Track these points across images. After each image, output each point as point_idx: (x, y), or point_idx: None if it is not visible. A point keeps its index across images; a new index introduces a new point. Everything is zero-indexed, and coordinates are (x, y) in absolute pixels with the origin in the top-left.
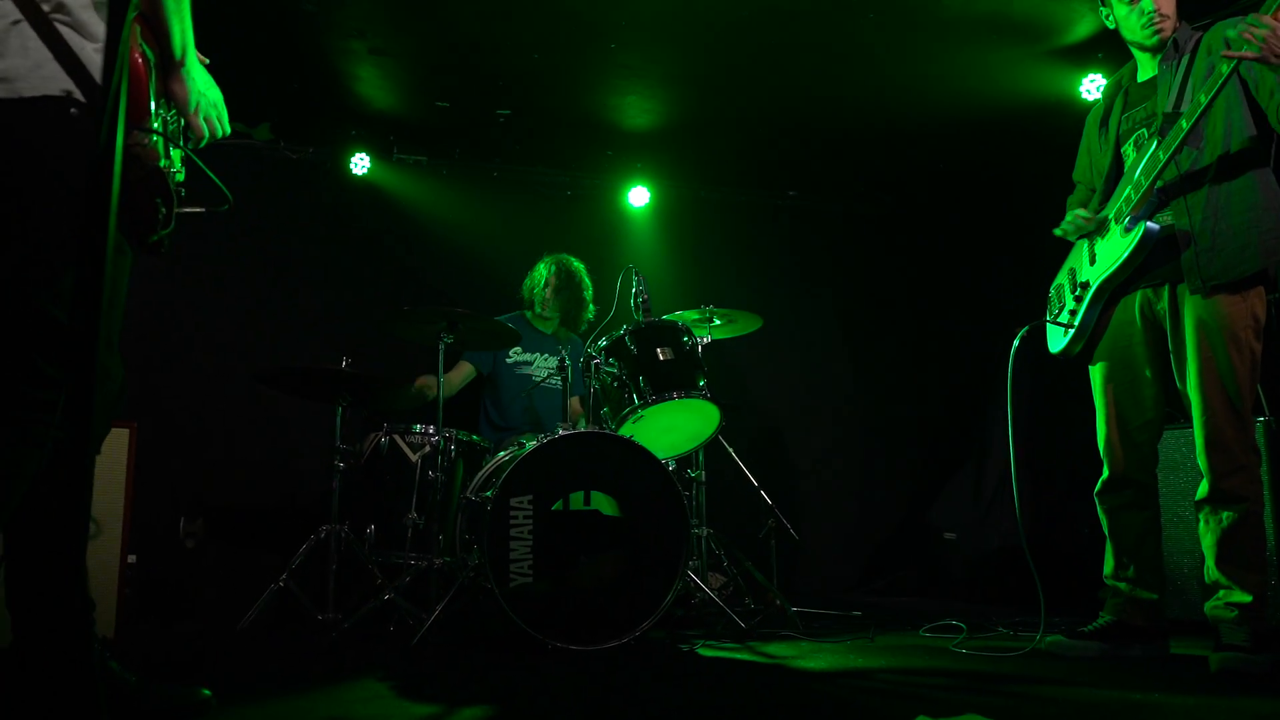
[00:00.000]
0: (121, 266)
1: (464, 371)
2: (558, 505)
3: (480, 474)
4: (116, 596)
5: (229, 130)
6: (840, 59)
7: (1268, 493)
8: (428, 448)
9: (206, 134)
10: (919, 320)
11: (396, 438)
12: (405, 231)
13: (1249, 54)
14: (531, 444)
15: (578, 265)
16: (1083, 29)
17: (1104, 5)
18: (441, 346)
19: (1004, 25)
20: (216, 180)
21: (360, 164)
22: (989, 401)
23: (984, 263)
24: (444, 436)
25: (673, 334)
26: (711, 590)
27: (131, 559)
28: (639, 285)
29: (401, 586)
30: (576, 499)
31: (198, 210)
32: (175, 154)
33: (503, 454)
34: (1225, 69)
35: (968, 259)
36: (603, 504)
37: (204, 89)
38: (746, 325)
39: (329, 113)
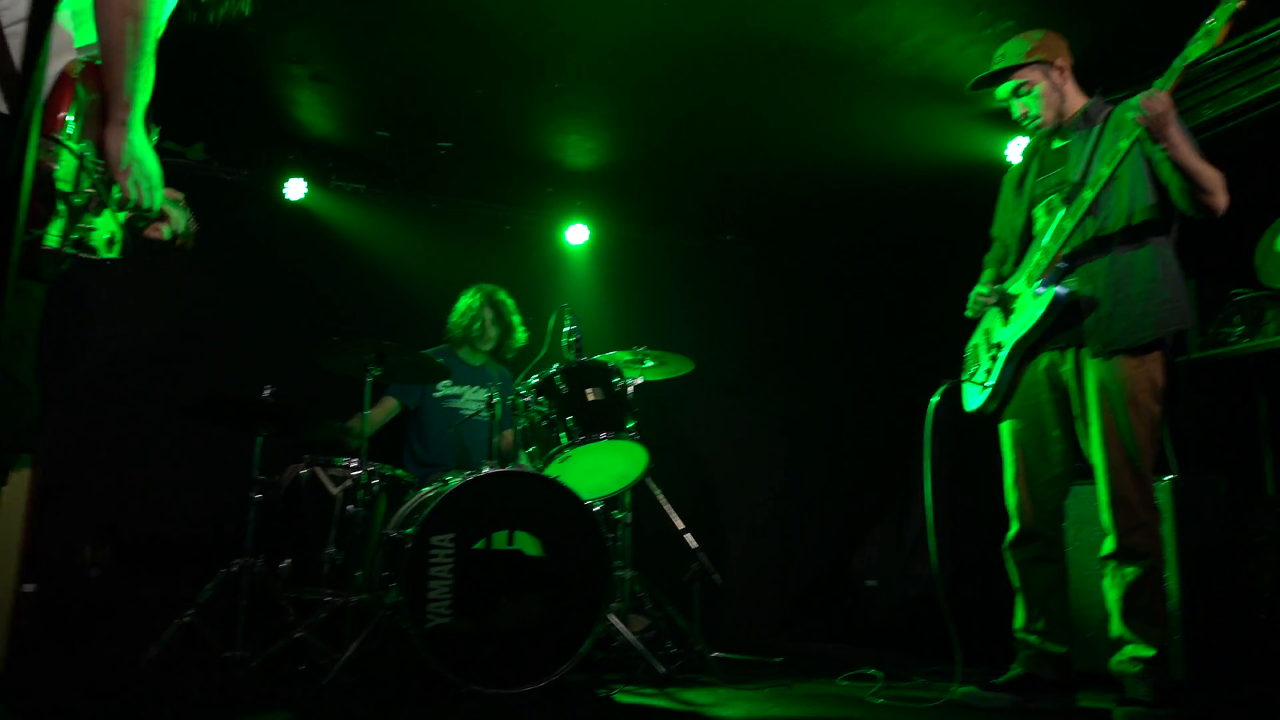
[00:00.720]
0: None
1: (388, 407)
2: (480, 544)
3: (402, 510)
4: (9, 626)
5: (156, 207)
6: (777, 111)
7: (1174, 550)
8: (349, 481)
9: (133, 198)
10: (849, 370)
11: (318, 470)
12: (338, 260)
13: (1139, 118)
14: (456, 481)
15: (503, 294)
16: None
17: None
18: (369, 379)
19: (935, 87)
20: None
21: (296, 189)
22: (914, 451)
23: (913, 315)
24: (367, 470)
25: (603, 374)
26: (634, 633)
27: (29, 588)
28: (572, 324)
29: (315, 624)
30: (499, 538)
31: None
32: (104, 220)
33: (427, 490)
34: (1124, 144)
35: (898, 311)
36: (526, 544)
37: (141, 156)
38: (679, 368)
39: (266, 136)
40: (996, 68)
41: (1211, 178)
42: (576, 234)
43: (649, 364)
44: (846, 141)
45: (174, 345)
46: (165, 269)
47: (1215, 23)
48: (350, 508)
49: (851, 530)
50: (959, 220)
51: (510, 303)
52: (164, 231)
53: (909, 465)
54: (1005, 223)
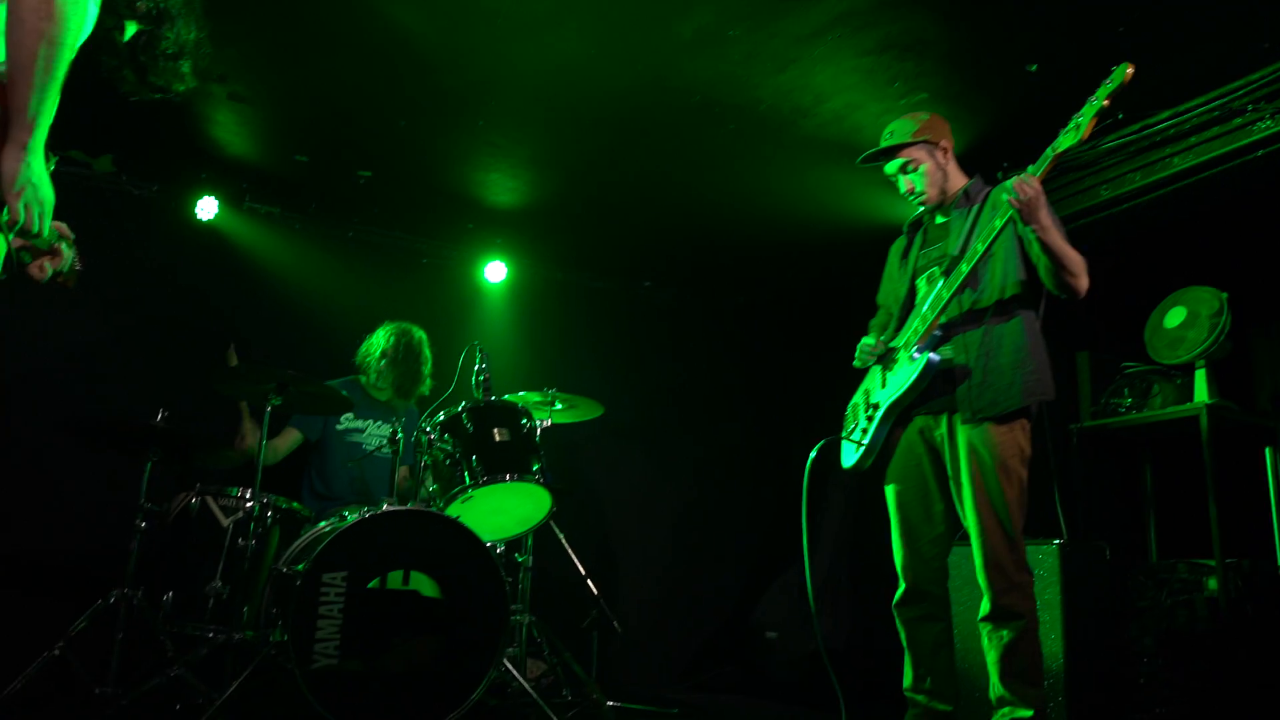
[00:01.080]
0: None
1: (290, 438)
2: (374, 583)
3: (295, 545)
4: None
5: (45, 234)
6: (698, 163)
7: (1060, 614)
8: (241, 513)
9: (21, 219)
10: (758, 420)
11: (209, 499)
12: (247, 283)
13: (1011, 200)
14: (353, 517)
15: (419, 335)
16: None
17: None
18: (269, 408)
19: (852, 151)
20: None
21: (207, 208)
22: (819, 504)
23: (821, 369)
24: (260, 502)
25: (511, 415)
26: (530, 679)
27: None
28: (481, 363)
29: (194, 661)
30: (395, 578)
31: None
32: None
33: (323, 524)
34: (998, 223)
35: (807, 363)
36: (423, 584)
37: (38, 181)
38: (588, 412)
39: (179, 152)
40: (885, 145)
41: (1076, 260)
42: (495, 271)
43: (558, 406)
44: (764, 197)
45: (65, 363)
46: (60, 284)
47: (1082, 119)
48: (241, 540)
49: (756, 581)
50: (866, 281)
51: (426, 350)
52: (46, 270)
53: (814, 517)
54: (889, 290)
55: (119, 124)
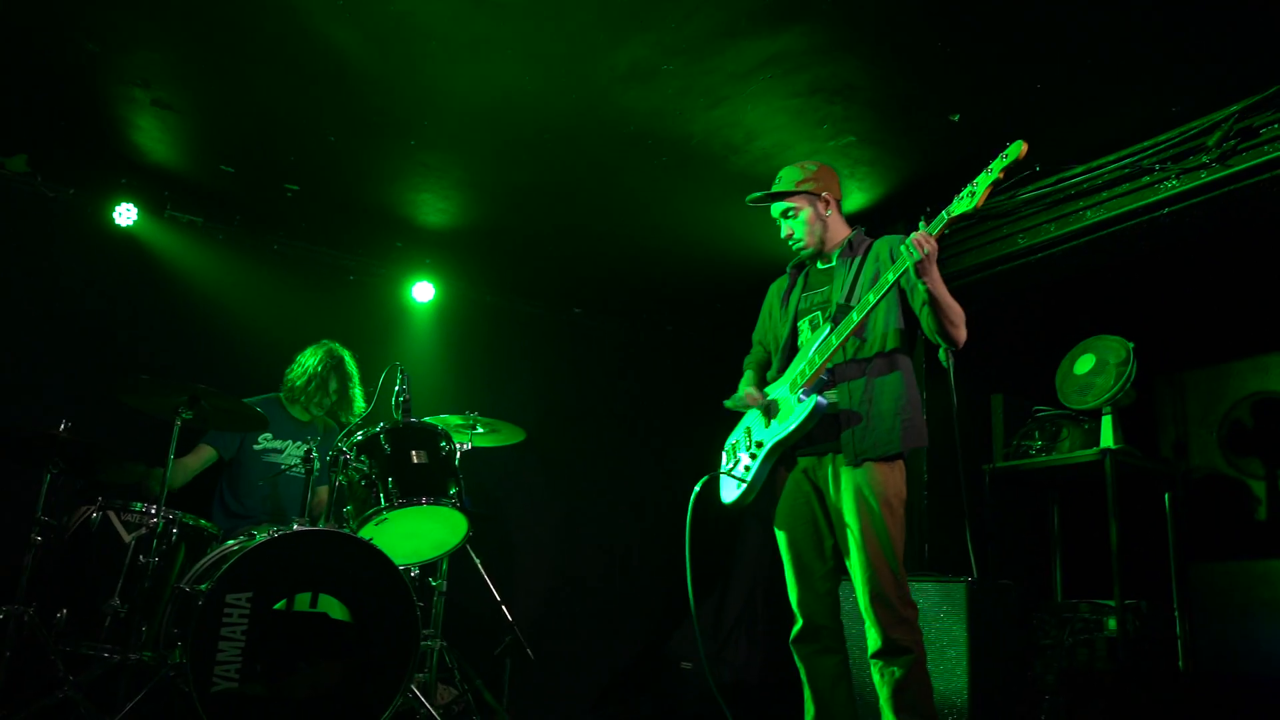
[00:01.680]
0: None
1: (203, 456)
2: (280, 605)
3: (201, 563)
4: None
5: None
6: (632, 194)
7: (966, 649)
8: (145, 529)
9: None
10: (681, 453)
11: (111, 514)
12: (164, 293)
13: (912, 259)
14: (262, 536)
15: (350, 361)
16: (850, 203)
17: None
18: (177, 423)
19: None
20: None
21: (126, 214)
22: (738, 536)
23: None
24: (165, 518)
25: (430, 438)
26: (439, 706)
27: None
28: (402, 383)
29: (86, 682)
30: (303, 600)
31: None
32: None
33: (231, 543)
34: (890, 277)
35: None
36: (332, 607)
37: None
38: (510, 436)
39: (99, 156)
40: (771, 190)
41: (959, 312)
42: (422, 291)
43: (480, 430)
44: (694, 231)
45: None
46: None
47: (977, 188)
48: (143, 558)
49: (674, 611)
50: None
51: (355, 371)
52: None
53: (732, 549)
54: (769, 329)
55: (35, 123)
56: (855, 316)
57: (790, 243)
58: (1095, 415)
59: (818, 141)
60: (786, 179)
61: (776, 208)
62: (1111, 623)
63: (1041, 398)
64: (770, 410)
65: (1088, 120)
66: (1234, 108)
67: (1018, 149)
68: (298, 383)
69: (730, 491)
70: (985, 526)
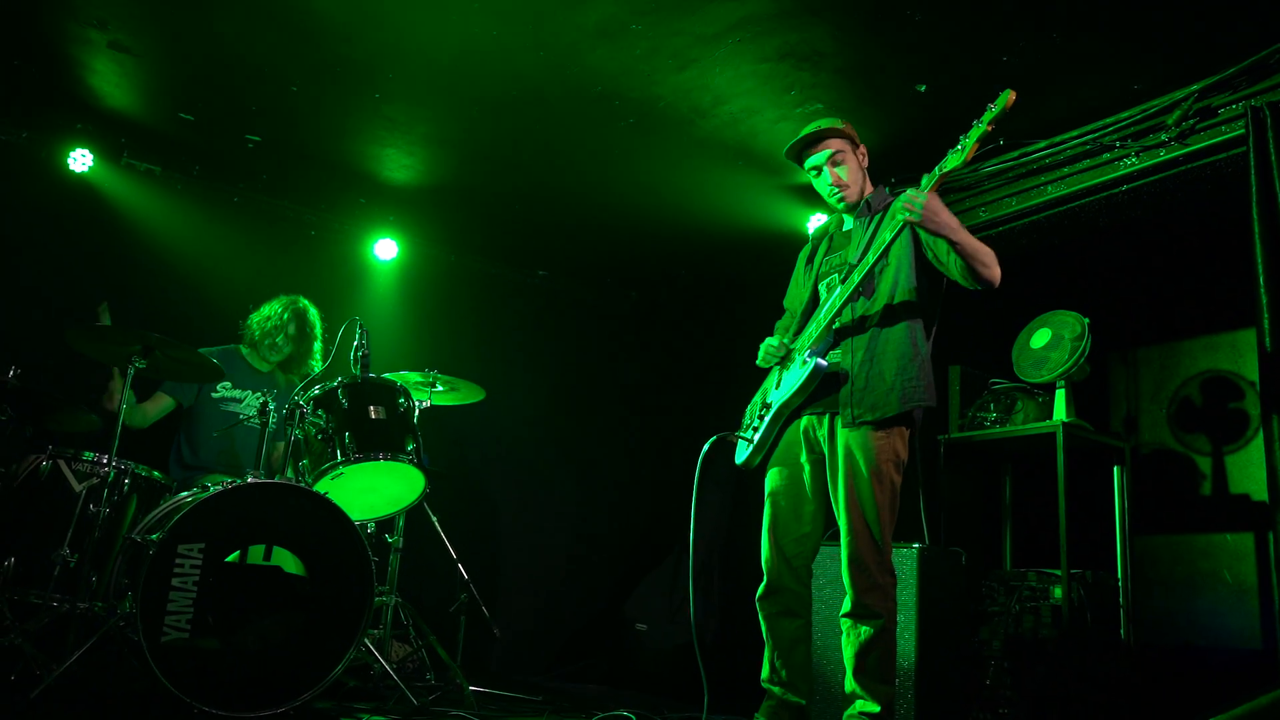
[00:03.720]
0: None
1: (160, 404)
2: (233, 557)
3: (153, 514)
4: None
5: None
6: (596, 156)
7: (915, 615)
8: (96, 479)
9: None
10: (642, 414)
11: (62, 463)
12: (119, 242)
13: (908, 217)
14: (215, 488)
15: (314, 314)
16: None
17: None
18: (131, 371)
19: (748, 154)
20: None
21: (81, 160)
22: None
23: (709, 367)
24: (117, 468)
25: (389, 393)
26: (393, 662)
27: None
28: (361, 339)
29: (33, 630)
30: (256, 552)
31: None
32: None
33: (185, 494)
34: (886, 236)
35: (696, 361)
36: (286, 561)
37: None
38: (470, 395)
39: (53, 99)
40: (813, 129)
41: (987, 252)
42: (385, 249)
43: (440, 388)
44: (660, 194)
45: None
46: None
47: (967, 140)
48: (93, 507)
49: (630, 573)
50: (757, 281)
51: (318, 325)
52: None
53: (689, 511)
54: (795, 295)
55: None
56: (856, 276)
57: (834, 193)
58: (1050, 389)
59: (785, 108)
60: (829, 122)
61: (821, 155)
62: (1057, 591)
63: (998, 370)
64: (784, 370)
65: (1051, 95)
66: (1194, 87)
67: (1005, 98)
68: (256, 328)
69: (741, 452)
70: (939, 495)
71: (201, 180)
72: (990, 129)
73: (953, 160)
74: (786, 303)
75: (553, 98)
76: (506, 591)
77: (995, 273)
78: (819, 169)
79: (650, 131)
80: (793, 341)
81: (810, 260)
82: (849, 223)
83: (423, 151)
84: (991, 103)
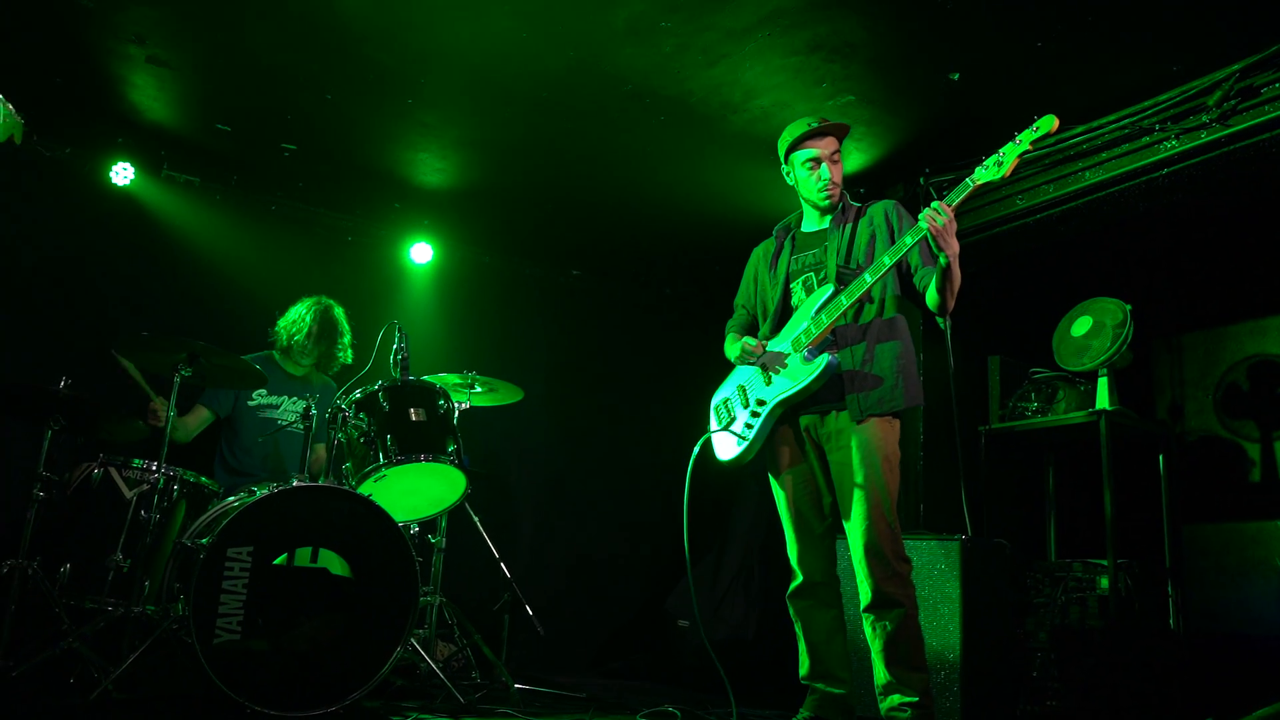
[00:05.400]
0: None
1: (200, 416)
2: (281, 560)
3: (202, 519)
4: None
5: None
6: (628, 153)
7: (959, 607)
8: (146, 485)
9: None
10: (680, 411)
11: (113, 470)
12: (162, 253)
13: (931, 225)
14: (262, 492)
15: (338, 310)
16: (850, 164)
17: (785, 164)
18: (177, 379)
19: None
20: None
21: (123, 174)
22: (735, 496)
23: None
24: (166, 475)
25: (428, 396)
26: (439, 661)
27: None
28: (400, 342)
29: (90, 634)
30: (303, 555)
31: None
32: None
33: (232, 499)
34: (909, 240)
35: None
36: (332, 562)
37: None
38: (508, 396)
39: (95, 115)
40: (821, 121)
41: (959, 283)
42: (420, 252)
43: (478, 389)
44: (693, 190)
45: None
46: None
47: (1005, 158)
48: (144, 513)
49: (671, 569)
50: None
51: (343, 322)
52: None
53: (729, 508)
54: (754, 294)
55: (32, 82)
56: (869, 278)
57: (824, 189)
58: (1091, 377)
59: (816, 100)
60: (836, 119)
61: (828, 148)
62: (1104, 582)
63: (1038, 359)
64: (771, 368)
65: (1088, 80)
66: (1235, 67)
67: (1049, 123)
68: (284, 332)
69: (728, 449)
70: (981, 486)
71: (239, 190)
72: (1030, 149)
73: (986, 175)
74: (739, 301)
75: (584, 97)
76: (548, 589)
77: (953, 303)
78: (818, 161)
79: (681, 128)
80: (769, 338)
81: (774, 260)
82: (812, 222)
83: (456, 155)
84: (1034, 124)
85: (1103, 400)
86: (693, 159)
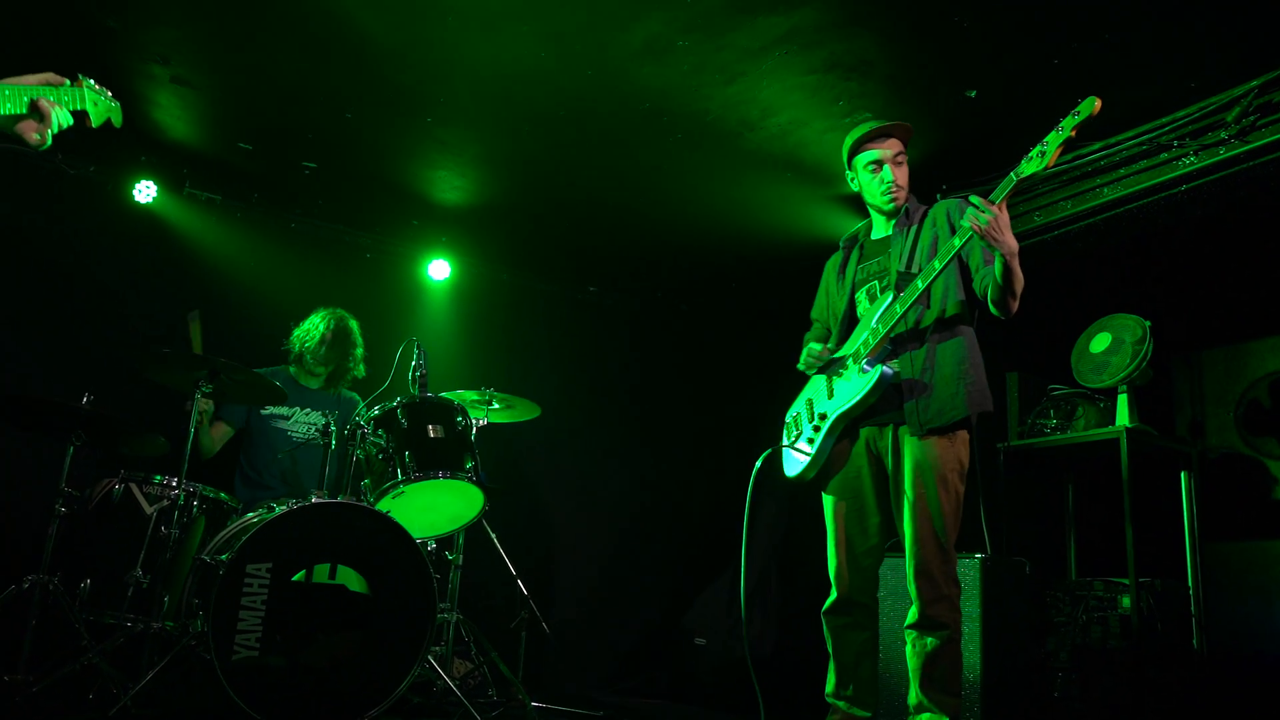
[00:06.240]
0: None
1: (221, 430)
2: (299, 576)
3: (221, 535)
4: None
5: None
6: (646, 171)
7: (979, 626)
8: (166, 501)
9: None
10: (697, 430)
11: (133, 486)
12: (183, 270)
13: (974, 224)
14: (281, 509)
15: (353, 322)
16: None
17: (849, 170)
18: (198, 396)
19: (797, 165)
20: None
21: (145, 191)
22: (753, 512)
23: (762, 378)
24: (186, 491)
25: (446, 412)
26: (456, 678)
27: None
28: (419, 358)
29: (109, 650)
30: (321, 571)
31: None
32: None
33: (251, 515)
34: (957, 242)
35: (747, 373)
36: (350, 579)
37: None
38: (525, 412)
39: (119, 133)
40: (885, 124)
41: (1022, 283)
42: (438, 269)
43: (496, 406)
44: (709, 208)
45: None
46: None
47: (1048, 147)
48: (164, 529)
49: (687, 587)
50: (808, 292)
51: (357, 334)
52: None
53: (749, 526)
54: (827, 305)
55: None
56: (920, 284)
57: (887, 192)
58: (1111, 394)
59: (833, 118)
60: (898, 124)
61: (889, 150)
62: (1126, 601)
63: (1057, 376)
64: (833, 379)
65: (1106, 96)
66: (1254, 83)
67: (1090, 105)
68: (297, 343)
69: (794, 465)
70: (1000, 504)
71: (260, 207)
72: (1074, 134)
73: (1030, 166)
74: (815, 314)
75: (602, 115)
76: (565, 606)
77: (1017, 305)
78: (880, 164)
79: (699, 145)
80: (836, 349)
81: (842, 269)
82: (879, 229)
83: (474, 172)
84: (1075, 108)
85: (1123, 417)
86: (709, 176)
